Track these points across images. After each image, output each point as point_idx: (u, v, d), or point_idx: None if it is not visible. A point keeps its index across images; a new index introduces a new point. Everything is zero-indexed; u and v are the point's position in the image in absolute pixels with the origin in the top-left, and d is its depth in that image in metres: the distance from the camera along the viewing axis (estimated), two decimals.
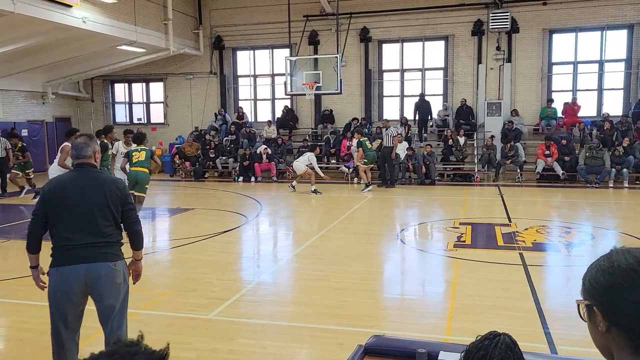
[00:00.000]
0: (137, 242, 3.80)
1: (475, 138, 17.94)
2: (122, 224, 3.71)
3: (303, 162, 14.79)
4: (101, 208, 3.52)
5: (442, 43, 18.98)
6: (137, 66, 20.26)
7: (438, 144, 17.76)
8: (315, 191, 14.27)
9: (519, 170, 16.37)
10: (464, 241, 8.75)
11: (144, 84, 22.36)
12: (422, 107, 18.20)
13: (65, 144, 8.97)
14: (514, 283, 6.48)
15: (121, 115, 22.97)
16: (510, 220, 10.39)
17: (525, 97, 18.13)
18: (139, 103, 22.72)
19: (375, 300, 6.10)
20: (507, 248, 8.22)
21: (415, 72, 19.31)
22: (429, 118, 18.43)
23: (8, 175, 14.60)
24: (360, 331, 4.79)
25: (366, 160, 14.94)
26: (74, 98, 22.16)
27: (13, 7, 12.26)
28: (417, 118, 18.29)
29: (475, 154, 17.50)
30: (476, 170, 16.89)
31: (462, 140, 17.19)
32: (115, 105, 22.96)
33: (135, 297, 6.14)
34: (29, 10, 12.74)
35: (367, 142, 15.20)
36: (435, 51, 19.19)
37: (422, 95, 18.48)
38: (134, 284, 3.92)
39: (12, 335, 5.27)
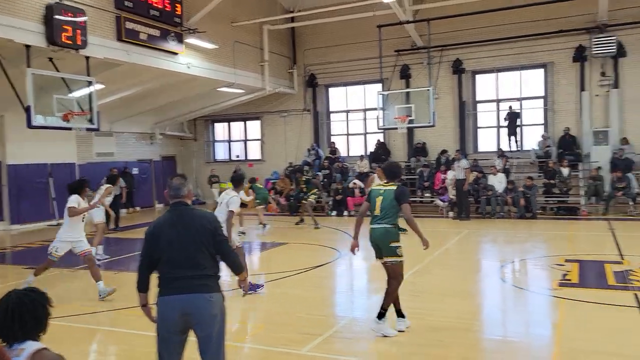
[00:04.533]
0: (234, 269, 4.06)
1: (580, 169, 16.86)
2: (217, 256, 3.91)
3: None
4: (194, 242, 3.75)
5: (541, 71, 18.25)
6: (236, 106, 21.34)
7: (539, 176, 16.88)
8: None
9: (631, 203, 15.10)
10: (570, 280, 8.15)
11: (242, 122, 23.49)
12: (512, 116, 18.06)
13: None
14: (627, 327, 5.91)
15: (221, 153, 24.21)
16: (622, 258, 9.54)
17: (636, 124, 16.81)
18: (237, 141, 23.85)
19: (475, 341, 5.82)
20: (619, 288, 7.55)
21: (510, 102, 18.61)
22: (519, 126, 18.21)
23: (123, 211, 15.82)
24: None
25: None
26: (178, 138, 23.70)
27: (128, 57, 13.49)
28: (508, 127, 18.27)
29: (581, 185, 16.41)
30: (582, 203, 15.81)
31: (565, 171, 16.22)
32: (216, 143, 24.26)
33: (231, 329, 6.33)
34: (141, 59, 13.94)
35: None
36: (533, 80, 18.48)
37: (510, 108, 18.21)
38: (243, 296, 4.13)
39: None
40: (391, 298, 5.84)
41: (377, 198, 5.91)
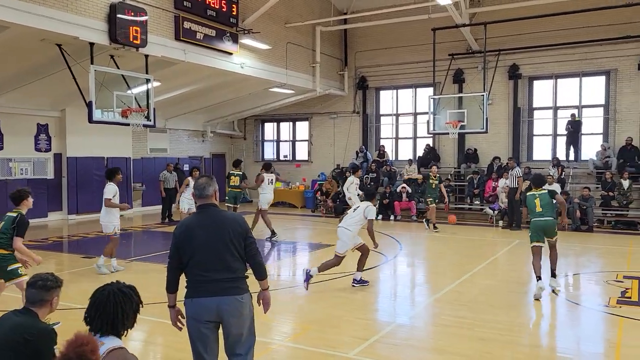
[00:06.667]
0: (260, 273, 3.95)
1: None
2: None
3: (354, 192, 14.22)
4: (227, 245, 3.76)
5: (602, 78, 17.55)
6: (285, 106, 21.52)
7: (597, 187, 16.22)
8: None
9: None
10: (630, 297, 7.79)
11: (291, 123, 23.67)
12: (575, 125, 17.30)
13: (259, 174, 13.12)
14: None
15: (269, 152, 24.47)
16: None
17: None
18: (285, 141, 24.04)
19: (524, 355, 5.62)
20: None
21: (569, 109, 17.94)
22: (579, 136, 17.44)
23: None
24: None
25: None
26: (228, 136, 24.12)
27: (184, 57, 13.82)
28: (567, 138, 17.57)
29: None
30: None
31: (626, 183, 15.52)
32: (265, 143, 24.54)
33: (278, 329, 6.37)
34: (197, 58, 14.25)
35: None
36: (595, 87, 17.79)
37: (572, 116, 17.42)
38: (264, 312, 4.07)
39: (169, 354, 5.72)
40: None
41: (535, 200, 8.18)
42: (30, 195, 6.41)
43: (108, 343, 2.62)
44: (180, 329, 3.91)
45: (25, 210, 6.26)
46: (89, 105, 11.34)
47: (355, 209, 8.51)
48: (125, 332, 2.77)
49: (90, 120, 11.51)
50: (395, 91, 21.18)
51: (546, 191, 8.27)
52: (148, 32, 12.45)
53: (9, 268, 6.09)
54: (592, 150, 17.40)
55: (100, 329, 2.67)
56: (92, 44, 11.49)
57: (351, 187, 14.40)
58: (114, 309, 2.70)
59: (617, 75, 17.09)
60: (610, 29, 16.68)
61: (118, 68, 12.39)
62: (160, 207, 17.39)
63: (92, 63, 11.40)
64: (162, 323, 6.61)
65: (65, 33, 10.99)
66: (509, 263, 10.86)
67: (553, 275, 8.49)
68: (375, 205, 8.66)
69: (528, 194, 8.47)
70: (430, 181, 14.97)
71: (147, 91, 12.60)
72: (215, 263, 3.73)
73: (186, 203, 12.62)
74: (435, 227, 14.64)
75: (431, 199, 14.85)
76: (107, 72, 11.71)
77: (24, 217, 6.17)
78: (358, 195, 14.18)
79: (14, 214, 6.15)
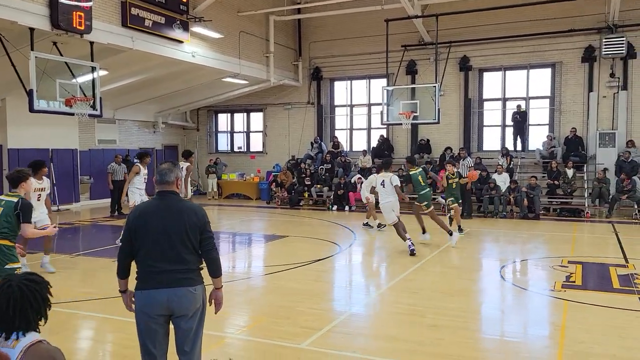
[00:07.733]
0: (214, 270, 3.76)
1: (585, 170, 16.74)
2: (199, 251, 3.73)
3: (366, 189, 13.34)
4: (181, 236, 3.58)
5: (548, 70, 18.10)
6: (239, 97, 21.23)
7: (543, 176, 16.77)
8: (379, 225, 13.16)
9: (636, 207, 14.99)
10: (574, 281, 8.06)
11: (245, 114, 23.36)
12: (521, 115, 17.92)
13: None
14: (633, 331, 5.82)
15: (223, 143, 24.10)
16: (627, 261, 9.45)
17: None
18: (239, 132, 23.73)
19: (474, 340, 5.73)
20: (624, 292, 7.46)
21: (517, 101, 18.46)
22: (526, 126, 18.06)
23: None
24: None
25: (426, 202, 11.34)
26: (181, 127, 23.60)
27: (132, 44, 13.37)
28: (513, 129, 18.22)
29: (586, 187, 16.30)
30: (586, 205, 15.69)
31: (570, 172, 16.10)
32: (218, 134, 24.15)
33: (229, 321, 6.26)
34: (146, 46, 13.81)
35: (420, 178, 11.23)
36: (541, 79, 18.33)
37: (518, 107, 17.97)
38: (215, 313, 3.89)
39: (117, 351, 5.52)
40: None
41: (419, 177, 10.86)
42: (30, 177, 5.84)
43: (24, 339, 2.39)
44: (133, 311, 3.72)
45: (23, 193, 5.66)
46: (29, 93, 10.81)
47: (382, 183, 9.87)
48: (43, 323, 2.53)
49: (31, 109, 10.99)
50: (349, 82, 21.22)
51: (421, 169, 11.10)
52: (93, 18, 11.95)
53: (7, 266, 5.30)
54: (539, 141, 17.97)
55: (15, 326, 2.43)
56: (32, 30, 10.93)
57: (370, 185, 12.76)
58: (32, 304, 2.47)
59: (562, 68, 17.66)
60: (556, 22, 17.21)
61: (61, 55, 11.86)
62: (109, 200, 16.88)
63: (32, 49, 10.85)
64: (109, 319, 6.40)
65: (3, 17, 10.41)
66: (459, 251, 11.05)
67: (451, 233, 10.96)
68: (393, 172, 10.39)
69: (412, 172, 10.85)
70: (450, 181, 12.42)
71: (93, 80, 12.13)
72: (167, 254, 3.56)
73: (137, 195, 11.78)
74: (461, 229, 12.54)
75: (453, 199, 12.48)
76: (49, 59, 11.18)
77: (26, 200, 5.55)
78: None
79: (14, 199, 5.45)
